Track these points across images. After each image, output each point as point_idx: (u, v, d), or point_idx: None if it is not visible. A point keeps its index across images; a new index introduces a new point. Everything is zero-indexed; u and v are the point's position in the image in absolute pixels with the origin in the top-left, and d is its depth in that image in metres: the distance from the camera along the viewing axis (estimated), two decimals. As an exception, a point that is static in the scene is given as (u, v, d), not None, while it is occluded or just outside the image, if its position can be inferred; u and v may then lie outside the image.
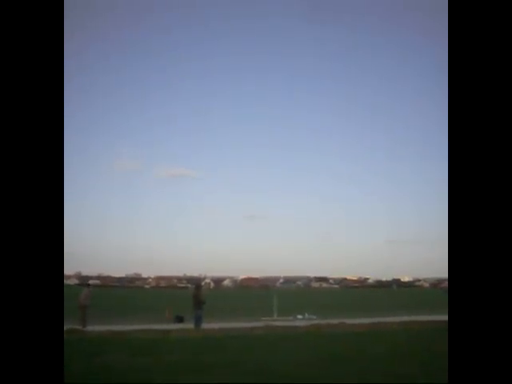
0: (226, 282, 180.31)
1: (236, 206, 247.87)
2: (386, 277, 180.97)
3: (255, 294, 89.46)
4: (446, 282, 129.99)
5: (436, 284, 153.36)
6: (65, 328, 16.53)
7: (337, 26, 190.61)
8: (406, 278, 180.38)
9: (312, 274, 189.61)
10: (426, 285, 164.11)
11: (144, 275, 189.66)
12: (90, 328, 18.76)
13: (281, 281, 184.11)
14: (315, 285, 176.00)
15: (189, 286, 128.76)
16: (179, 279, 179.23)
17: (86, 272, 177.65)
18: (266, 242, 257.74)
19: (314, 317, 27.62)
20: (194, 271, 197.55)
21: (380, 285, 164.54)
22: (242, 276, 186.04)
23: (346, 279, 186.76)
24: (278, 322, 23.43)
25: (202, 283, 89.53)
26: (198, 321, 20.07)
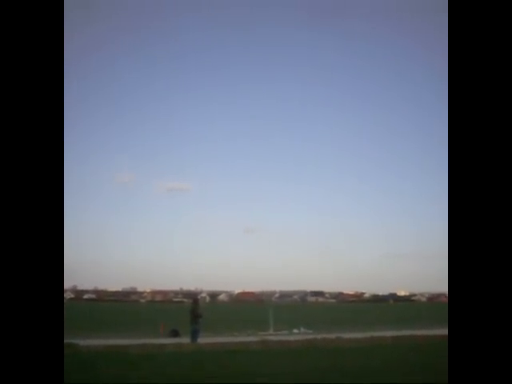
0: (221, 297, 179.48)
1: (232, 219, 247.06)
2: (382, 291, 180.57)
3: (251, 308, 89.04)
4: (443, 297, 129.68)
5: (433, 298, 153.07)
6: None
7: (336, 34, 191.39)
8: (402, 293, 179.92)
9: (308, 289, 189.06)
10: (423, 299, 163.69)
11: (140, 289, 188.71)
12: (85, 343, 18.66)
13: (277, 295, 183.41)
14: (311, 299, 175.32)
15: (184, 300, 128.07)
16: (175, 293, 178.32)
17: (81, 286, 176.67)
18: (261, 256, 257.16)
19: (310, 331, 27.51)
20: (190, 285, 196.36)
21: (376, 299, 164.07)
22: (237, 290, 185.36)
23: (342, 293, 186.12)
24: (274, 336, 23.34)
25: (198, 297, 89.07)
26: (194, 335, 19.98)
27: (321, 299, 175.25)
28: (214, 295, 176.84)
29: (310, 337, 21.24)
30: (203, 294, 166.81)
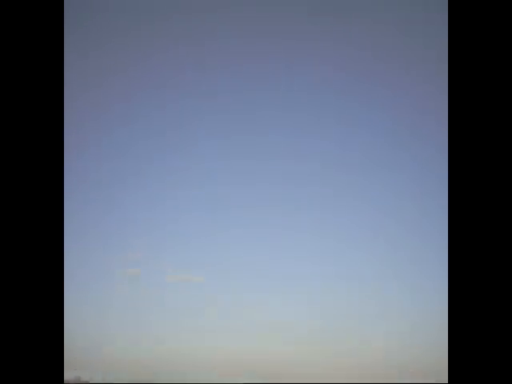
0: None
1: (242, 313, 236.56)
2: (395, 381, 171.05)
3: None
4: None
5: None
6: None
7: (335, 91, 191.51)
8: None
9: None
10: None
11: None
12: None
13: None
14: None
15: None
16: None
17: (86, 377, 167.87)
18: (267, 349, 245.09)
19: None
20: (199, 379, 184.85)
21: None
22: None
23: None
24: None
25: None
26: None
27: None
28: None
29: None
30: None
